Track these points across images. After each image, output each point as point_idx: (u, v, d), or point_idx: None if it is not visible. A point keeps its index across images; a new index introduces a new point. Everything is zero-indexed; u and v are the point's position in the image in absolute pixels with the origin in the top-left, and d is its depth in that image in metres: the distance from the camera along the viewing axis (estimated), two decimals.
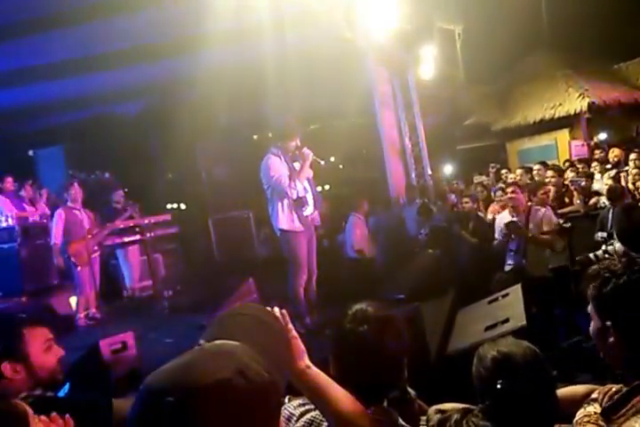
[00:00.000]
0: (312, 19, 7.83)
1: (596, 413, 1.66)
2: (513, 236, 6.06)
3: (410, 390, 2.20)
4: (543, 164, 8.76)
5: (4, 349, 2.12)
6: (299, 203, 5.28)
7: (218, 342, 1.01)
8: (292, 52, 10.01)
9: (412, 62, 12.32)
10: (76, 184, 7.15)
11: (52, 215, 7.45)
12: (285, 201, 5.27)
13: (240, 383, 0.86)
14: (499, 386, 1.79)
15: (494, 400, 1.83)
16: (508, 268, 6.18)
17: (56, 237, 6.97)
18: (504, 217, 6.35)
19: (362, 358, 1.70)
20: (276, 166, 5.18)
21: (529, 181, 7.99)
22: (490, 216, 7.70)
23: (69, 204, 7.12)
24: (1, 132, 10.95)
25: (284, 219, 5.28)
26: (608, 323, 1.60)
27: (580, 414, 1.72)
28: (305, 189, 5.40)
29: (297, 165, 5.37)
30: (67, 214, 7.05)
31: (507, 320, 4.21)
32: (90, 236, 6.97)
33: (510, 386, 1.78)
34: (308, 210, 5.40)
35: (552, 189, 7.69)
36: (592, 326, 1.68)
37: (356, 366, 1.71)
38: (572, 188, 7.81)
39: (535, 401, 1.77)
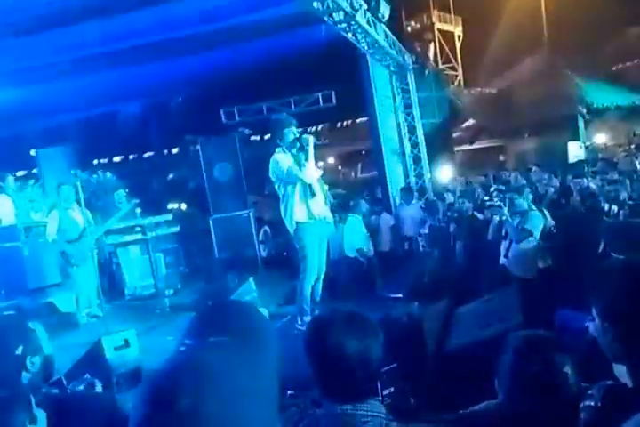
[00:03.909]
0: (313, 18, 7.86)
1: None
2: None
3: (405, 385, 2.27)
4: (540, 165, 8.82)
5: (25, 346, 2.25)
6: (312, 189, 5.38)
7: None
8: (291, 51, 10.07)
9: (412, 63, 12.40)
10: (67, 184, 7.15)
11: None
12: (299, 191, 5.41)
13: None
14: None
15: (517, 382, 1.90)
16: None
17: (50, 236, 7.03)
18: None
19: (325, 359, 1.73)
20: (284, 160, 5.39)
21: (524, 182, 8.05)
22: (487, 216, 7.74)
23: (62, 203, 7.15)
24: (3, 131, 10.99)
25: (299, 210, 5.41)
26: (606, 324, 1.65)
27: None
28: (316, 171, 5.55)
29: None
30: (60, 214, 7.10)
31: (503, 319, 4.26)
32: (86, 235, 7.00)
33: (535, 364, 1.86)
34: (319, 202, 5.51)
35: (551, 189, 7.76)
36: (594, 325, 1.73)
37: (323, 367, 1.75)
38: (571, 188, 7.87)
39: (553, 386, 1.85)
